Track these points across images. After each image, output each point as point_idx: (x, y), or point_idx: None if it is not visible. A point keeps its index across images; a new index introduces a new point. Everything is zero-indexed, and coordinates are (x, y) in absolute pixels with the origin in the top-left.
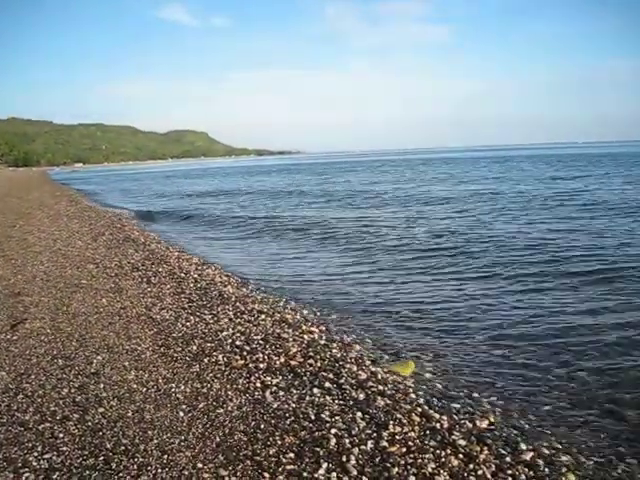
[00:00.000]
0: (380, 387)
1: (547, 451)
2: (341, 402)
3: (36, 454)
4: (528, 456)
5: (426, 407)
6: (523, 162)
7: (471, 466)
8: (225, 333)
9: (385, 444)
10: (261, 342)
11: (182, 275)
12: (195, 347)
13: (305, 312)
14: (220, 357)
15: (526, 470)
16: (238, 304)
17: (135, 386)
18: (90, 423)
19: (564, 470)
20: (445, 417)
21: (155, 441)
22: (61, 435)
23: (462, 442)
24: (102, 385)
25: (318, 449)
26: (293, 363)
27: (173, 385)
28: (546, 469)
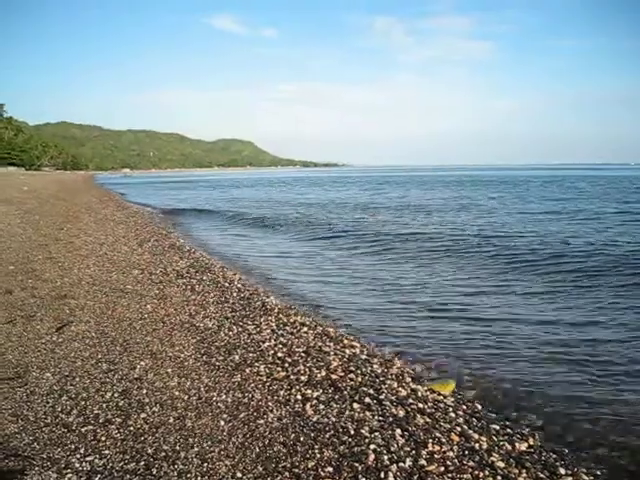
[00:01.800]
0: (420, 405)
1: (586, 477)
2: (381, 418)
3: (79, 456)
4: None
5: (465, 427)
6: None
7: None
8: (267, 344)
9: (423, 462)
10: (303, 355)
11: (226, 284)
12: (237, 357)
13: (347, 326)
14: (262, 368)
15: None
16: (281, 315)
17: (177, 393)
18: (132, 428)
19: None
20: (484, 438)
21: (195, 449)
22: (103, 438)
23: (501, 464)
24: (145, 391)
25: (357, 464)
26: (334, 377)
27: (214, 394)
28: None
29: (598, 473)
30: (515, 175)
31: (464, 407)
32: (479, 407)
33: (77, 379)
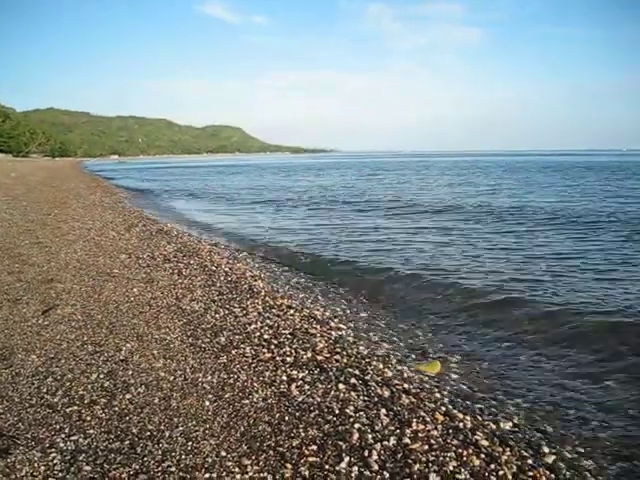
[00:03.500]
0: (405, 385)
1: (570, 455)
2: (366, 398)
3: (63, 436)
4: (550, 459)
5: (450, 407)
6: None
7: (492, 466)
8: (253, 326)
9: (408, 441)
10: (289, 336)
11: (213, 268)
12: (223, 339)
13: (334, 309)
14: (248, 349)
15: (547, 472)
16: (267, 298)
17: (163, 374)
18: (117, 408)
19: (586, 474)
20: (469, 417)
21: (180, 428)
22: (88, 418)
23: (485, 442)
24: (130, 372)
25: (341, 443)
26: (320, 358)
27: (200, 375)
28: (567, 473)
29: (581, 451)
30: (506, 161)
31: (449, 387)
32: (464, 387)
33: (63, 361)
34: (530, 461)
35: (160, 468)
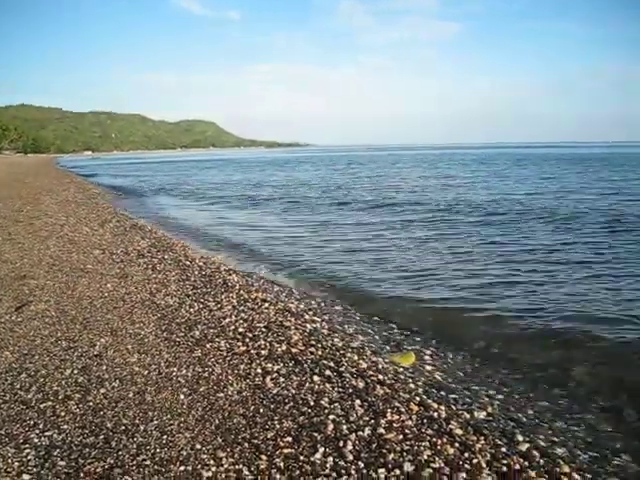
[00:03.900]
0: (380, 376)
1: (543, 443)
2: (340, 390)
3: (37, 431)
4: (524, 447)
5: (425, 397)
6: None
7: (467, 455)
8: (228, 320)
9: (382, 431)
10: (263, 330)
11: (187, 263)
12: (198, 333)
13: (309, 302)
14: (222, 343)
15: (521, 460)
16: (242, 292)
17: (137, 369)
18: (91, 403)
19: (559, 462)
20: (443, 407)
21: (155, 422)
22: (63, 414)
23: (459, 431)
24: (104, 367)
25: (316, 434)
26: (294, 351)
27: (175, 369)
28: (541, 460)
29: (555, 439)
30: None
31: (424, 378)
32: (439, 378)
33: (36, 357)
34: (504, 449)
35: (135, 462)
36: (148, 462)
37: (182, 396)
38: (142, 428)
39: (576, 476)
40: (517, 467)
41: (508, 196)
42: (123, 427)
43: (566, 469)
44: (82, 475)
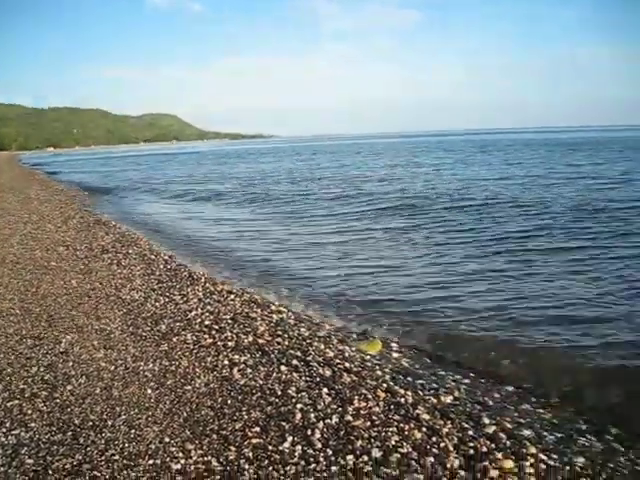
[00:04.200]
0: (347, 364)
1: (510, 425)
2: (308, 379)
3: (4, 430)
4: (491, 429)
5: (391, 383)
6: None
7: (434, 439)
8: (194, 313)
9: (350, 418)
10: (230, 321)
11: (152, 257)
12: (164, 326)
13: (275, 292)
14: (189, 336)
15: (488, 442)
16: (208, 285)
17: (104, 364)
18: (58, 400)
19: (526, 443)
20: (410, 393)
21: (123, 417)
22: (29, 412)
23: (426, 416)
24: (71, 363)
25: (284, 423)
26: (261, 341)
27: (141, 363)
28: (508, 442)
29: (522, 421)
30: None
31: (391, 365)
32: (406, 364)
33: (1, 355)
34: (471, 432)
35: (103, 457)
36: (117, 457)
37: (149, 390)
38: (110, 423)
39: (543, 456)
40: (484, 449)
41: (472, 182)
42: (91, 423)
43: (533, 450)
44: (50, 472)
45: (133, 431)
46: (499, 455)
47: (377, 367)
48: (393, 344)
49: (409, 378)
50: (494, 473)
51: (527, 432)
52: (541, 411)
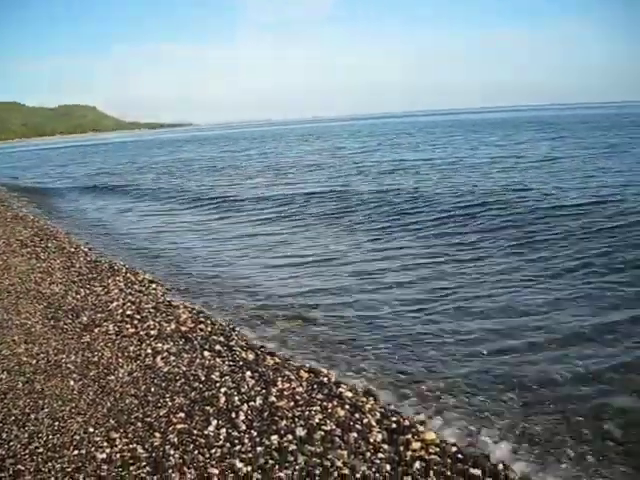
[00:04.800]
0: (270, 346)
1: (432, 393)
2: (231, 363)
3: None
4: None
5: (314, 363)
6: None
7: (357, 415)
8: (115, 303)
9: (274, 399)
10: (152, 310)
11: (72, 250)
12: (85, 318)
13: (196, 280)
14: (111, 327)
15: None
16: (129, 275)
17: (25, 359)
18: None
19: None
20: (333, 371)
21: (46, 410)
22: None
23: (349, 394)
24: None
25: (208, 408)
26: (184, 329)
27: (63, 356)
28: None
29: (442, 386)
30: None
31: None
32: (327, 338)
33: None
34: (393, 407)
35: (27, 450)
36: (41, 449)
37: (72, 382)
38: (33, 417)
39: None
40: (407, 423)
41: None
42: (13, 418)
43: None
44: None
45: (57, 423)
46: (421, 428)
47: None
48: (313, 323)
49: (332, 354)
50: (416, 445)
51: (450, 399)
52: (463, 374)
